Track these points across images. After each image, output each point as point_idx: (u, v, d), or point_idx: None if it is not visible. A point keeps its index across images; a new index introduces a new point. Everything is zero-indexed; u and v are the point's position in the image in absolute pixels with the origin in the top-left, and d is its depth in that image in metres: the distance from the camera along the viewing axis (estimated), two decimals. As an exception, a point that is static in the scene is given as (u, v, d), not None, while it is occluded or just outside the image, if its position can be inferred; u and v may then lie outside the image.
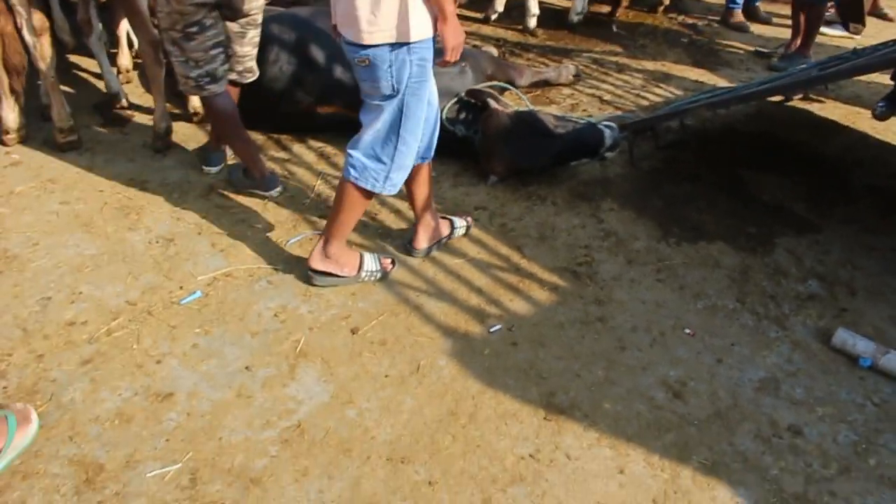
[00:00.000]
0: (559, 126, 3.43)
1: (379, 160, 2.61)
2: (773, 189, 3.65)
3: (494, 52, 4.82)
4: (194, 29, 2.90)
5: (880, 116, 4.19)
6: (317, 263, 2.81)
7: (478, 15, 5.68)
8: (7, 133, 3.68)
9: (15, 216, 3.25)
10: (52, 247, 3.06)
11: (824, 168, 3.91)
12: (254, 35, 3.22)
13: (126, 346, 2.58)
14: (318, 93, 3.70)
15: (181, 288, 2.86)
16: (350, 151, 2.65)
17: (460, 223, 3.13)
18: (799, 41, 5.04)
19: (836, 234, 3.34)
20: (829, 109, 4.57)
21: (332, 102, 3.72)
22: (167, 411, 2.33)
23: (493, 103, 3.46)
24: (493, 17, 5.56)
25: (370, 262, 2.88)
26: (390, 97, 2.50)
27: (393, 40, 2.37)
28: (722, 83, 4.89)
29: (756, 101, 4.37)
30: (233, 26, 3.11)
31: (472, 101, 3.59)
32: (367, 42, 2.37)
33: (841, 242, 3.28)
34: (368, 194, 2.68)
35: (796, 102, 4.62)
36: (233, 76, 3.26)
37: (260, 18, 3.18)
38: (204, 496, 2.08)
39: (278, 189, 3.38)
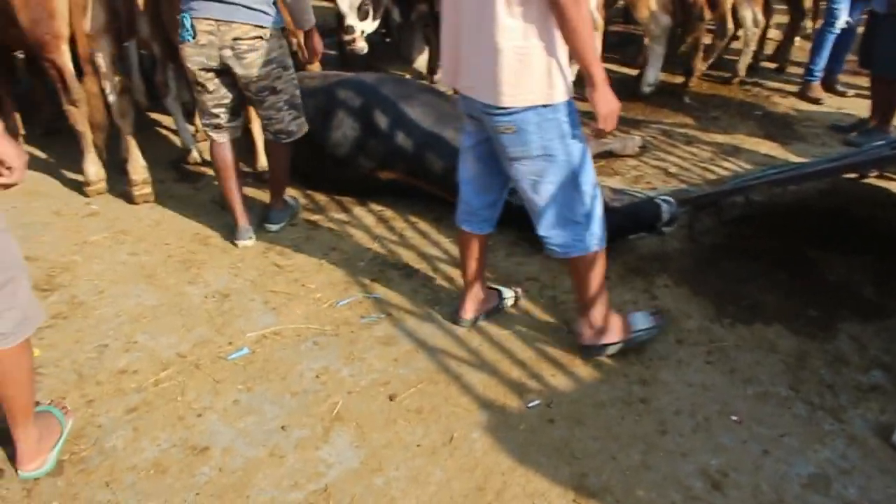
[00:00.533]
0: (616, 199, 3.41)
1: (573, 223, 2.52)
2: (840, 270, 3.51)
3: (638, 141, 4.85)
4: (199, 88, 3.30)
5: None
6: (588, 340, 2.80)
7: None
8: (88, 185, 3.92)
9: (86, 264, 3.43)
10: (116, 296, 3.20)
11: (899, 250, 3.74)
12: (273, 101, 3.38)
13: (171, 397, 2.66)
14: (380, 158, 3.80)
15: (230, 343, 2.94)
16: (541, 234, 2.61)
17: (508, 294, 3.13)
18: (878, 117, 4.89)
19: (907, 322, 3.18)
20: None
21: (393, 168, 3.82)
22: (201, 465, 2.38)
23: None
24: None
25: (640, 321, 2.86)
26: (548, 157, 2.42)
27: (540, 103, 2.30)
28: (794, 158, 4.77)
29: (824, 178, 4.24)
30: (247, 93, 3.32)
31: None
32: (509, 105, 2.30)
33: (911, 332, 3.11)
34: (590, 257, 2.62)
35: (873, 179, 4.46)
36: (269, 136, 3.52)
37: (278, 86, 3.35)
38: (225, 555, 2.10)
39: (247, 241, 3.60)
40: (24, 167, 2.09)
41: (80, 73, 3.59)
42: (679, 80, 6.09)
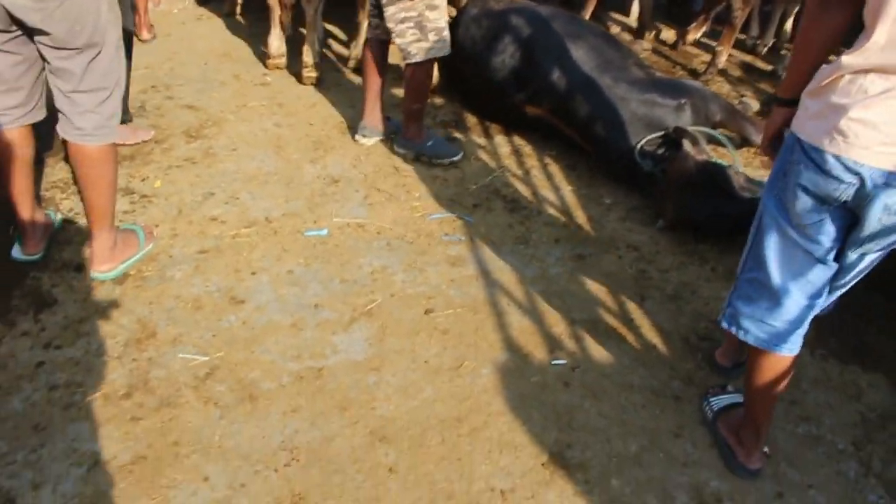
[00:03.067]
0: (746, 190, 3.08)
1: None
2: None
3: (756, 106, 4.41)
4: None
5: None
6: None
7: (766, 67, 5.19)
8: (269, 57, 4.24)
9: (235, 124, 3.74)
10: (243, 156, 3.47)
11: None
12: (392, 13, 3.20)
13: (239, 251, 2.87)
14: (531, 92, 3.71)
15: (315, 222, 3.09)
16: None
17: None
18: None
19: None
20: None
21: (540, 104, 3.71)
22: (230, 314, 2.57)
23: (688, 147, 3.20)
24: (781, 72, 5.05)
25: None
26: None
27: None
28: None
29: None
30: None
31: (676, 139, 3.35)
32: None
33: None
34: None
35: None
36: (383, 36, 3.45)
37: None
38: (206, 391, 2.27)
39: (360, 137, 3.64)
40: None
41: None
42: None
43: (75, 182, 2.62)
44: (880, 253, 1.90)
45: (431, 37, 3.25)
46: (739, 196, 3.05)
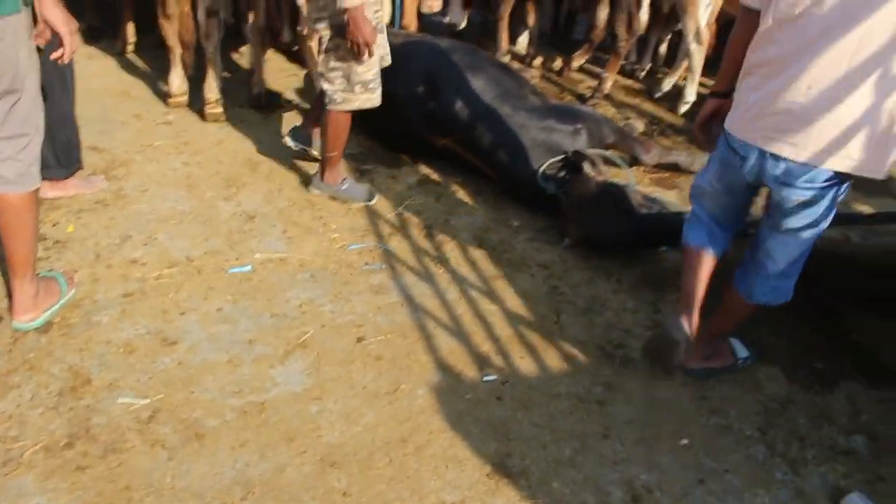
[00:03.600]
0: (645, 207, 3.35)
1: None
2: (868, 331, 3.30)
3: (640, 127, 4.76)
4: None
5: None
6: (692, 363, 2.79)
7: (642, 87, 5.61)
8: (170, 96, 4.23)
9: (143, 164, 3.72)
10: (155, 196, 3.46)
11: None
12: (324, 59, 3.29)
13: (165, 292, 2.87)
14: (436, 123, 3.88)
15: (237, 259, 3.13)
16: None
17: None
18: None
19: (920, 398, 2.97)
20: None
21: (446, 135, 3.89)
22: (164, 355, 2.58)
23: (587, 169, 3.46)
24: (658, 94, 5.48)
25: (740, 349, 2.90)
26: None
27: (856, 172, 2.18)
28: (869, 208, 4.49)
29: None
30: None
31: (575, 162, 3.59)
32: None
33: (922, 410, 2.91)
34: None
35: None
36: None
37: (330, 47, 3.25)
38: (151, 434, 2.28)
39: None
40: (72, 34, 2.35)
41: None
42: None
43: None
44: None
45: (357, 89, 3.29)
46: (638, 213, 3.32)
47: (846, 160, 2.15)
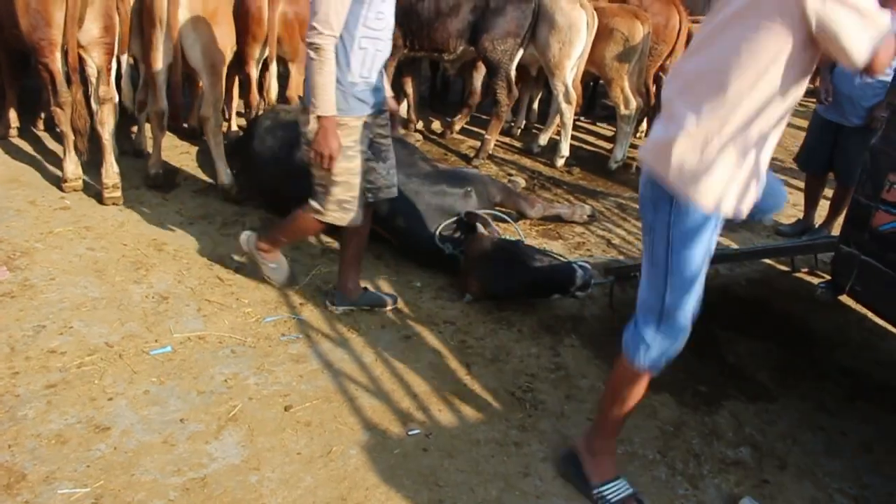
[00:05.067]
0: (536, 260, 3.68)
1: None
2: (742, 353, 3.75)
3: (522, 182, 5.15)
4: None
5: (821, 298, 4.26)
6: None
7: (519, 144, 6.07)
8: (65, 181, 4.25)
9: (46, 252, 3.72)
10: (65, 284, 3.48)
11: (806, 342, 3.97)
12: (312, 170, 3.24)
13: (89, 380, 2.91)
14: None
15: (156, 340, 3.20)
16: None
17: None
18: (828, 216, 5.21)
19: (790, 407, 3.39)
20: (835, 290, 4.63)
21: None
22: (98, 442, 2.63)
23: (480, 228, 3.76)
24: (536, 150, 5.93)
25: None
26: None
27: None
28: (735, 245, 5.04)
29: (745, 260, 4.54)
30: None
31: (469, 222, 3.89)
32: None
33: (790, 416, 3.32)
34: None
35: (803, 275, 4.71)
36: None
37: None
38: (96, 522, 2.33)
39: (330, 305, 3.60)
40: None
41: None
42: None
43: None
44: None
45: (330, 207, 3.24)
46: (532, 265, 3.63)
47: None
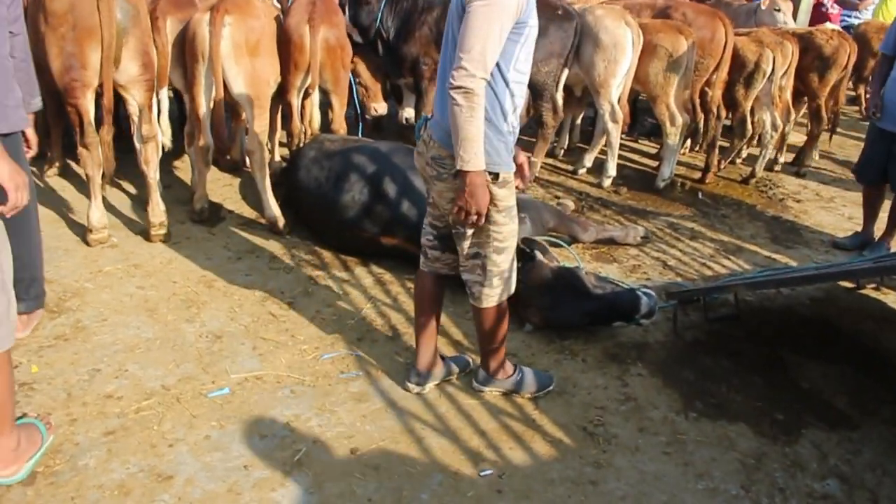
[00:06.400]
0: (598, 287, 3.55)
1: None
2: (815, 377, 3.58)
3: (571, 205, 5.03)
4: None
5: None
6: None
7: (568, 167, 5.95)
8: (90, 232, 4.09)
9: (96, 292, 3.66)
10: (117, 325, 3.41)
11: (880, 363, 3.79)
12: (463, 245, 2.84)
13: (148, 425, 2.83)
14: (384, 224, 4.01)
15: (213, 382, 3.11)
16: None
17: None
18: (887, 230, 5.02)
19: (874, 434, 3.22)
20: (906, 304, 4.45)
21: (394, 235, 4.01)
22: (162, 492, 2.53)
23: (539, 255, 3.63)
24: (581, 171, 5.81)
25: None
26: None
27: None
28: (794, 263, 4.86)
29: (812, 284, 4.35)
30: None
31: (526, 250, 3.77)
32: None
33: (877, 444, 3.15)
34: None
35: (869, 291, 4.53)
36: None
37: (467, 232, 2.78)
38: (166, 580, 2.23)
39: (411, 385, 3.18)
40: (18, 189, 2.30)
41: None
42: (696, 175, 6.26)
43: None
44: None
45: (496, 282, 2.86)
46: (594, 293, 3.50)
47: None
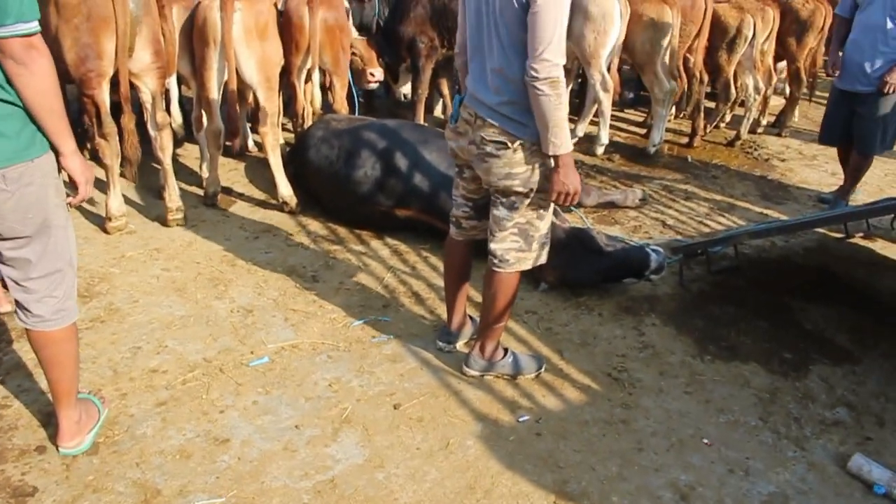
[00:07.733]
0: (609, 245, 3.71)
1: None
2: (817, 319, 3.78)
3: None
4: (456, 173, 3.07)
5: None
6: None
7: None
8: (109, 219, 4.15)
9: (123, 276, 3.75)
10: (149, 305, 3.51)
11: (875, 304, 4.00)
12: (498, 216, 2.87)
13: (196, 395, 2.94)
14: (397, 197, 4.13)
15: (252, 353, 3.23)
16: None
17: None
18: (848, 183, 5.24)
19: (875, 366, 3.43)
20: (893, 248, 4.67)
21: (408, 206, 4.14)
22: (221, 454, 2.66)
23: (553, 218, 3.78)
24: (573, 140, 5.96)
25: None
26: None
27: None
28: (785, 217, 5.07)
29: (806, 230, 4.57)
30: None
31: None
32: None
33: (878, 375, 3.36)
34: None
35: (857, 240, 4.75)
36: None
37: (516, 203, 2.80)
38: (240, 529, 2.36)
39: (442, 344, 3.31)
40: (88, 183, 2.43)
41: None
42: (684, 140, 6.46)
43: (41, 364, 2.58)
44: None
45: (534, 247, 2.90)
46: (606, 251, 3.67)
47: None
